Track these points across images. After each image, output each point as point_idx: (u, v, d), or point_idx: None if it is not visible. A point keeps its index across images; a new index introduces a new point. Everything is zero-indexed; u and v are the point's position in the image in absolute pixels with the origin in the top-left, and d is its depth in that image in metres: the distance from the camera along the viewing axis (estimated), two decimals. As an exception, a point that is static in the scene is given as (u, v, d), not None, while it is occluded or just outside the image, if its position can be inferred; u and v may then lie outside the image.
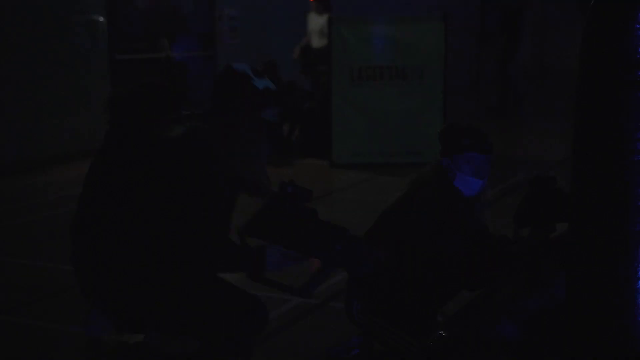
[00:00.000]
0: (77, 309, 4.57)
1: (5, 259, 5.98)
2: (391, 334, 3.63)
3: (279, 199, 2.87)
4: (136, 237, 3.83)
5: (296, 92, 10.74)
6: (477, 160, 3.70)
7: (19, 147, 9.52)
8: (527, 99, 12.20)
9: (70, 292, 5.14)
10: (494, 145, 3.84)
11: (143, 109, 3.90)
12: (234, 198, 3.42)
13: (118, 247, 3.85)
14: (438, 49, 9.44)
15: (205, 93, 11.43)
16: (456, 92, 12.68)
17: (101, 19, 10.50)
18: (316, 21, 11.29)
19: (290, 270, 2.96)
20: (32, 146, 9.70)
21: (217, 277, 3.35)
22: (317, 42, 11.36)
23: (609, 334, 2.67)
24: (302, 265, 2.95)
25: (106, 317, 4.18)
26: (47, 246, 6.29)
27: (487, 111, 13.36)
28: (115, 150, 3.95)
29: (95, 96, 10.47)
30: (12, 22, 9.47)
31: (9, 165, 9.29)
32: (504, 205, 6.41)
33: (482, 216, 3.86)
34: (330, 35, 9.49)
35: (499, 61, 12.44)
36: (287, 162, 9.67)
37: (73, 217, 4.09)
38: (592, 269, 2.69)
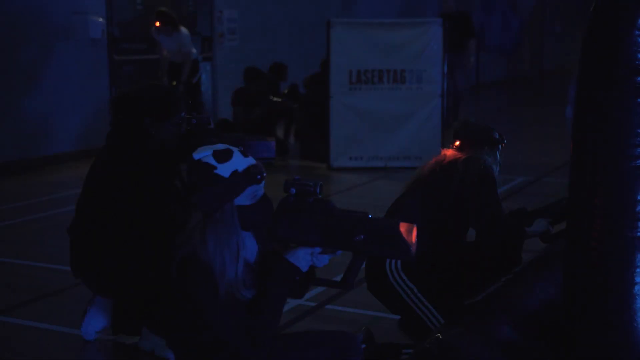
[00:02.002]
0: (74, 310, 4.57)
1: (3, 260, 5.97)
2: (417, 303, 3.74)
3: (289, 200, 2.71)
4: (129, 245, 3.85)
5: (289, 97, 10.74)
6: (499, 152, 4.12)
7: (17, 148, 9.51)
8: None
9: (68, 293, 5.14)
10: None
11: (144, 111, 3.91)
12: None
13: (112, 251, 3.87)
14: (437, 53, 9.45)
15: (205, 93, 11.25)
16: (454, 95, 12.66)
17: (100, 19, 10.50)
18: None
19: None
20: (31, 146, 9.69)
21: None
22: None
23: (607, 339, 2.67)
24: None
25: (104, 318, 4.19)
26: (45, 247, 6.28)
27: (485, 114, 13.39)
28: (111, 155, 3.96)
29: (94, 97, 10.47)
30: (11, 23, 9.46)
31: (8, 165, 9.28)
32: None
33: None
34: (329, 38, 9.49)
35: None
36: (284, 165, 9.67)
37: (72, 219, 4.10)
38: (590, 274, 2.70)
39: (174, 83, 10.15)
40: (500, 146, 4.08)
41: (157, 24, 10.20)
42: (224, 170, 2.68)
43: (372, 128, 9.51)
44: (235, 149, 2.75)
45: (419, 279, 3.78)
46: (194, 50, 10.65)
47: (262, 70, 10.60)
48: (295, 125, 10.61)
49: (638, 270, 2.62)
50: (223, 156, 2.70)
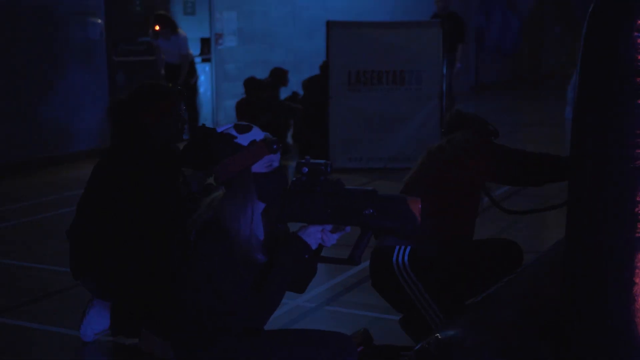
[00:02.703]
0: (72, 312, 4.57)
1: (1, 261, 5.97)
2: (421, 301, 3.73)
3: (300, 181, 2.88)
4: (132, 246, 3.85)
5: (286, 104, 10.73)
6: None
7: (16, 149, 9.51)
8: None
9: (66, 294, 5.14)
10: None
11: (144, 111, 3.92)
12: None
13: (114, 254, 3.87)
14: (436, 54, 9.45)
15: (203, 94, 11.31)
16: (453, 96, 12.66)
17: (99, 20, 10.50)
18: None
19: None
20: (30, 147, 9.69)
21: None
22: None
23: (606, 339, 2.67)
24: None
25: (103, 319, 4.19)
26: (44, 248, 6.28)
27: (484, 115, 13.35)
28: (112, 155, 3.97)
29: (93, 98, 10.48)
30: (10, 23, 9.46)
31: (6, 166, 9.28)
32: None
33: None
34: (329, 39, 9.50)
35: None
36: (284, 166, 9.66)
37: (72, 220, 4.10)
38: (590, 275, 2.70)
39: (170, 85, 10.16)
40: (492, 138, 3.99)
41: (157, 27, 10.24)
42: (244, 139, 2.91)
43: (372, 129, 9.51)
44: (255, 126, 3.00)
45: (425, 276, 3.76)
46: (191, 52, 10.68)
47: (261, 78, 10.63)
48: (292, 127, 10.61)
49: (637, 270, 2.61)
50: (243, 128, 2.95)
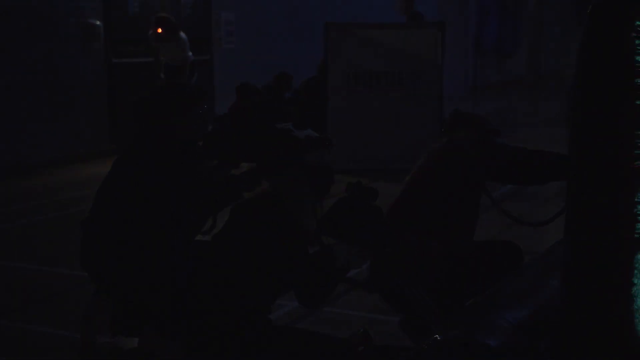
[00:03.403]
0: (71, 313, 4.57)
1: (1, 263, 5.97)
2: (421, 302, 3.74)
3: (346, 199, 3.06)
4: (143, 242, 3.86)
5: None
6: None
7: (15, 150, 9.51)
8: None
9: (65, 295, 5.14)
10: None
11: (166, 109, 3.96)
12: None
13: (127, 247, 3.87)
14: (434, 55, 9.46)
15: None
16: (451, 98, 12.70)
17: (98, 22, 10.50)
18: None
19: None
20: (29, 149, 9.69)
21: None
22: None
23: (606, 340, 2.67)
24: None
25: (103, 319, 4.18)
26: (42, 249, 6.28)
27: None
28: (133, 154, 3.98)
29: (92, 99, 10.47)
30: (9, 26, 9.46)
31: (5, 168, 9.27)
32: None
33: None
34: (327, 40, 9.50)
35: None
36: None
37: (89, 211, 4.09)
38: (589, 275, 2.70)
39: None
40: (492, 136, 3.97)
41: (159, 30, 10.24)
42: (300, 134, 3.20)
43: (371, 130, 9.52)
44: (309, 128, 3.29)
45: (425, 278, 3.75)
46: (190, 53, 10.69)
47: (261, 80, 10.62)
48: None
49: (636, 271, 2.62)
50: (300, 126, 3.25)
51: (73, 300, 4.90)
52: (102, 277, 4.04)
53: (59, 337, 4.47)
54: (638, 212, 2.60)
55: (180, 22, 11.18)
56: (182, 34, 10.47)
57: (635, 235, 2.61)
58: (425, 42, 9.47)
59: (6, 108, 9.44)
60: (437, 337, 2.96)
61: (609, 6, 2.65)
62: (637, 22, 2.57)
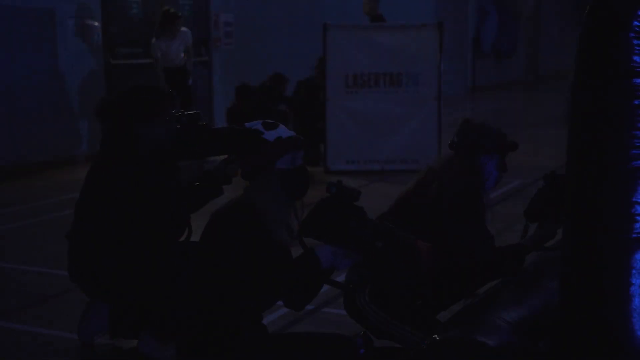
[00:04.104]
0: (69, 314, 4.56)
1: (2, 264, 5.97)
2: (396, 327, 3.69)
3: (327, 199, 2.96)
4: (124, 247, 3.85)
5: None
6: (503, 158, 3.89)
7: (14, 151, 9.50)
8: None
9: (63, 297, 5.13)
10: None
11: (132, 112, 3.88)
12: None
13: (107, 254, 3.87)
14: (433, 56, 9.46)
15: (201, 97, 11.27)
16: (450, 99, 12.69)
17: (96, 23, 10.50)
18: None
19: None
20: (28, 150, 9.68)
21: None
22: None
23: (603, 340, 2.67)
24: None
25: (101, 321, 4.18)
26: (41, 251, 6.28)
27: (481, 117, 13.36)
28: (107, 158, 3.96)
29: (90, 101, 10.46)
30: (8, 27, 9.45)
31: (5, 169, 9.27)
32: (499, 212, 6.41)
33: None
34: (325, 41, 9.50)
35: None
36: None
37: (71, 224, 4.09)
38: (587, 275, 2.70)
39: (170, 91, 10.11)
40: (505, 152, 3.83)
41: (177, 20, 10.16)
42: (270, 136, 3.04)
43: (369, 131, 9.52)
44: (281, 124, 3.14)
45: (387, 305, 3.68)
46: (182, 55, 10.65)
47: (260, 80, 10.62)
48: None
49: (634, 271, 2.62)
50: (270, 125, 3.08)
51: (70, 302, 4.89)
52: (95, 288, 4.02)
53: (56, 339, 4.47)
54: (636, 212, 2.60)
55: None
56: (185, 28, 10.44)
57: (633, 235, 2.61)
58: (424, 43, 9.48)
59: (6, 108, 9.43)
60: (435, 337, 2.96)
61: (607, 7, 2.66)
62: (635, 23, 2.58)
